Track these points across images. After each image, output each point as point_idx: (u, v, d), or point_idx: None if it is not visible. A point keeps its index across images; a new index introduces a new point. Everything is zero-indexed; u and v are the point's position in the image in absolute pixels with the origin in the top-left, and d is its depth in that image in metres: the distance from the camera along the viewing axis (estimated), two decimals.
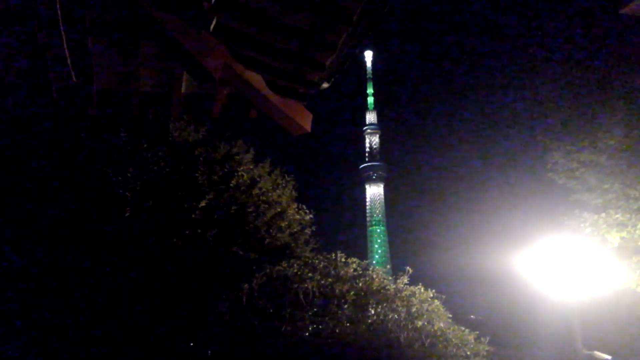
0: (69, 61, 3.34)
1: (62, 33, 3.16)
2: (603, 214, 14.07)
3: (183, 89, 4.22)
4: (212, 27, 3.32)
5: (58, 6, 3.01)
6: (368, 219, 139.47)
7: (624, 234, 13.74)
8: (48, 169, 10.21)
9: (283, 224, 13.22)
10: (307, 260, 12.82)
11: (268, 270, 11.86)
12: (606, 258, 13.42)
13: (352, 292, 11.96)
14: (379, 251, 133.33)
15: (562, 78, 15.30)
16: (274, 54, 3.73)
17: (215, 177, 12.01)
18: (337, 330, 11.58)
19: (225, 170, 12.29)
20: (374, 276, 12.65)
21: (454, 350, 11.92)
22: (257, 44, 3.65)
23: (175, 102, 4.31)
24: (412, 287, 12.78)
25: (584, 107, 14.73)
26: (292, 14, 3.36)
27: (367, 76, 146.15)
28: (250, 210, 12.35)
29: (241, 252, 11.68)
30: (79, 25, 3.31)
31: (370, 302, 12.22)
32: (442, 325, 12.29)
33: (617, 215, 13.80)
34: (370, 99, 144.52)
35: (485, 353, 12.86)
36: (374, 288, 12.28)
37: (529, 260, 13.17)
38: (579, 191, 15.49)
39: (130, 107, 4.34)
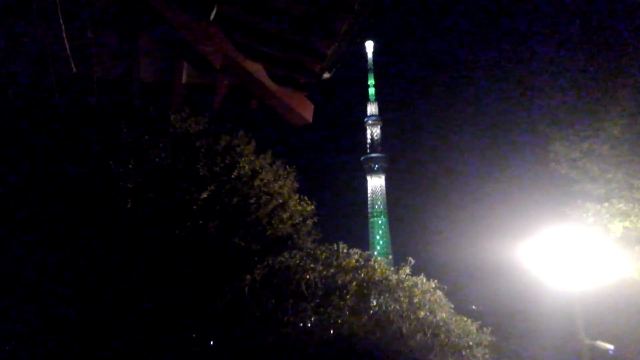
0: (68, 51, 3.31)
1: (62, 23, 3.13)
2: (606, 204, 14.06)
3: (184, 79, 4.19)
4: (212, 16, 3.28)
5: None
6: (369, 210, 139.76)
7: (627, 223, 13.74)
8: (47, 160, 10.18)
9: (285, 215, 13.18)
10: (309, 251, 12.82)
11: (270, 262, 11.87)
12: (609, 248, 13.41)
13: (354, 283, 11.97)
14: (381, 242, 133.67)
15: (564, 68, 15.23)
16: (275, 43, 3.70)
17: (217, 169, 11.98)
18: (339, 321, 11.60)
19: (227, 161, 12.25)
20: (376, 267, 12.64)
21: (456, 340, 11.95)
22: (258, 33, 3.62)
23: (176, 92, 4.28)
24: (414, 278, 12.80)
25: (587, 96, 14.66)
26: (293, 3, 3.32)
27: (369, 67, 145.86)
28: (251, 201, 12.32)
29: (243, 244, 11.66)
30: (78, 15, 3.28)
31: (373, 292, 12.24)
32: (444, 315, 12.32)
33: (620, 205, 13.79)
34: (372, 90, 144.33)
35: (487, 343, 12.89)
36: (376, 279, 12.29)
37: (532, 251, 13.16)
38: (582, 181, 15.46)
39: (131, 97, 4.31)
